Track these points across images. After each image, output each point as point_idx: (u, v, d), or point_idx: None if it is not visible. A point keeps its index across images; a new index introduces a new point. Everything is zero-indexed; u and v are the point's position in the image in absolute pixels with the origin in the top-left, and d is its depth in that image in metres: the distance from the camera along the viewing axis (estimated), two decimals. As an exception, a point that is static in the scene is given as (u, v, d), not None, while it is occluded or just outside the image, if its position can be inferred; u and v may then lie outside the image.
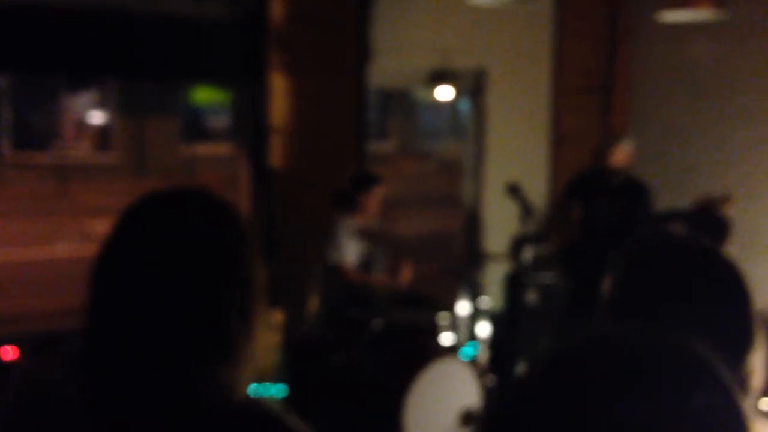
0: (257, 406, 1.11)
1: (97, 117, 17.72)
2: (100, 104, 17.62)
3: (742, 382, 1.05)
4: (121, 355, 1.06)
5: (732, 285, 1.10)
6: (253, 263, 1.14)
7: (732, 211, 4.20)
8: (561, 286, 4.86)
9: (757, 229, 4.96)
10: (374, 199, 4.66)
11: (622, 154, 5.06)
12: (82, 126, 17.81)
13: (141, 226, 1.12)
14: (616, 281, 1.14)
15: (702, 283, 1.09)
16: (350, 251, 4.57)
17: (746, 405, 0.85)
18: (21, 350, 4.16)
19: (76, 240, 10.29)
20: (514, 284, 4.80)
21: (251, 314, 1.12)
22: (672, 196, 5.07)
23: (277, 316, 4.06)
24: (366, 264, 4.73)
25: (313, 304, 4.61)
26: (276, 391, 4.29)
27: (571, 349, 0.74)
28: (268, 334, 1.16)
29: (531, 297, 4.83)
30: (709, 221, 3.73)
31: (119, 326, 1.07)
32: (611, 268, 1.16)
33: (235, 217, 1.16)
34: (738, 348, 1.06)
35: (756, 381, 1.07)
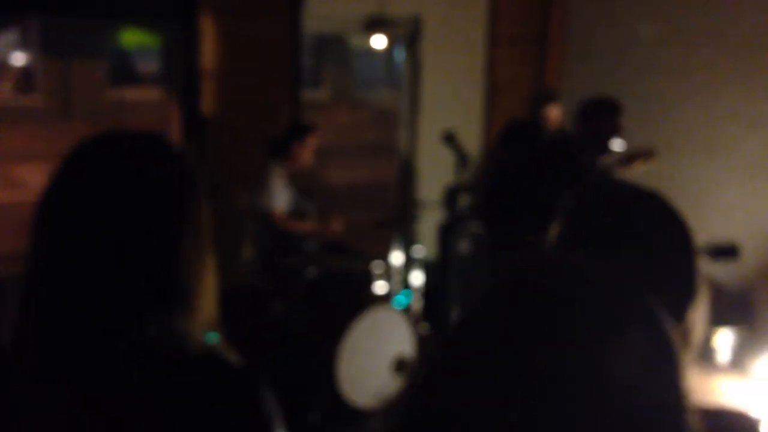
0: (214, 356, 1.08)
1: (19, 58, 16.97)
2: (22, 45, 16.86)
3: (683, 336, 1.03)
4: (60, 302, 1.02)
5: (679, 236, 1.07)
6: (201, 208, 1.11)
7: (654, 166, 4.29)
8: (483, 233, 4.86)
9: (685, 181, 5.08)
10: (307, 148, 4.64)
11: (554, 114, 5.18)
12: (3, 67, 17.05)
13: (79, 168, 1.07)
14: (564, 227, 1.11)
15: (650, 232, 1.06)
16: (282, 199, 4.55)
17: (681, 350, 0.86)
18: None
19: (-2, 186, 9.94)
20: (448, 233, 4.83)
21: (202, 260, 1.09)
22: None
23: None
24: (298, 212, 4.70)
25: (247, 252, 4.57)
26: (210, 339, 4.26)
27: (497, 291, 0.73)
28: (216, 281, 1.13)
29: (464, 246, 4.89)
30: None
31: (55, 273, 1.03)
32: (559, 213, 1.13)
33: (184, 161, 1.12)
34: (681, 301, 1.04)
35: (696, 336, 1.05)
